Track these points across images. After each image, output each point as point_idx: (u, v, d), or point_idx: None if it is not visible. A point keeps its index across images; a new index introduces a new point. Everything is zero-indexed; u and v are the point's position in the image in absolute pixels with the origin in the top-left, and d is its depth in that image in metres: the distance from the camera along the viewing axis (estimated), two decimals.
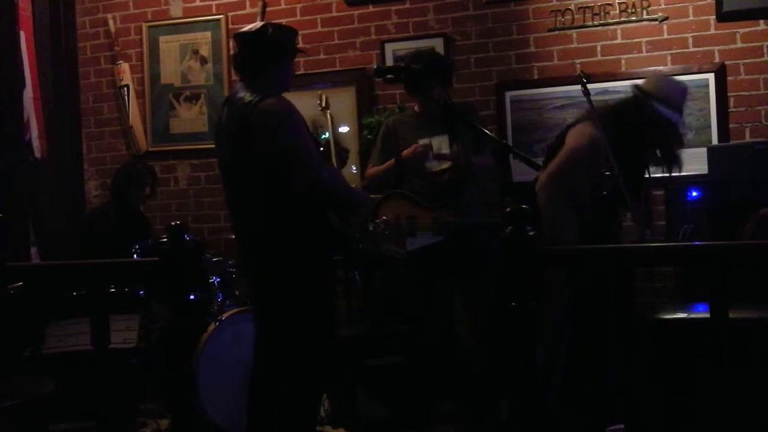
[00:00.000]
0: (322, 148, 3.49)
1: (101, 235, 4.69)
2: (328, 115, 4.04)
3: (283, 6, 5.32)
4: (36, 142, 5.12)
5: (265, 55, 3.28)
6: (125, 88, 5.60)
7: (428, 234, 4.07)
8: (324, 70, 5.22)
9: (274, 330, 3.29)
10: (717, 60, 4.54)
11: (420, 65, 3.94)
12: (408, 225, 4.07)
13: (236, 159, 3.25)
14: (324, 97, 4.15)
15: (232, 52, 5.32)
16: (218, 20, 5.43)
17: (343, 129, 5.09)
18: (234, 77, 5.34)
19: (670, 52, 4.62)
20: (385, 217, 4.07)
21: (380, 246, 4.04)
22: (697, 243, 3.50)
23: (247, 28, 3.37)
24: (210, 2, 5.48)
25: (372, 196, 4.02)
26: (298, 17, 5.23)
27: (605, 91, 4.52)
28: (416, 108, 4.31)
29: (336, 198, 3.33)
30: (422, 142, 4.12)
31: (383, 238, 4.05)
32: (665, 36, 4.63)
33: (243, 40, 3.33)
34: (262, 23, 3.44)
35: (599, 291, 3.49)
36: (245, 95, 3.23)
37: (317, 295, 3.29)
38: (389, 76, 4.29)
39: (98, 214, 4.92)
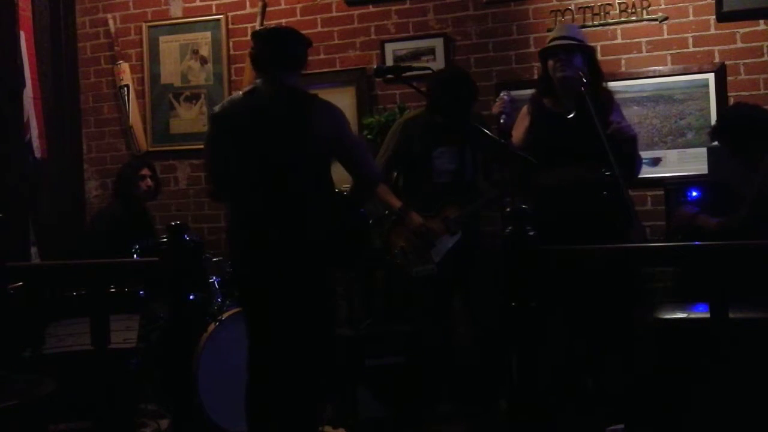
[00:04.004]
0: None
1: (106, 235, 4.69)
2: None
3: (283, 6, 5.31)
4: (36, 142, 5.11)
5: (303, 51, 3.42)
6: (125, 88, 5.59)
7: (446, 237, 4.10)
8: (324, 70, 5.21)
9: (281, 326, 3.28)
10: (717, 60, 4.54)
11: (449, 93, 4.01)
12: (423, 240, 4.08)
13: (281, 151, 3.25)
14: None
15: (232, 52, 5.36)
16: (218, 20, 5.43)
17: None
18: (234, 77, 5.36)
19: (670, 52, 4.62)
20: (401, 246, 4.11)
21: (410, 272, 4.08)
22: (697, 243, 3.49)
23: (268, 27, 3.44)
24: (210, 2, 5.48)
25: None
26: (298, 17, 5.22)
27: None
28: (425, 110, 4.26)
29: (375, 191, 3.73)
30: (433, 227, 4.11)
31: (408, 264, 4.09)
32: (665, 36, 4.63)
33: (282, 34, 3.44)
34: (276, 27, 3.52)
35: (599, 291, 3.50)
36: (284, 90, 3.28)
37: (324, 293, 3.33)
38: (389, 76, 4.27)
39: (103, 216, 4.93)
